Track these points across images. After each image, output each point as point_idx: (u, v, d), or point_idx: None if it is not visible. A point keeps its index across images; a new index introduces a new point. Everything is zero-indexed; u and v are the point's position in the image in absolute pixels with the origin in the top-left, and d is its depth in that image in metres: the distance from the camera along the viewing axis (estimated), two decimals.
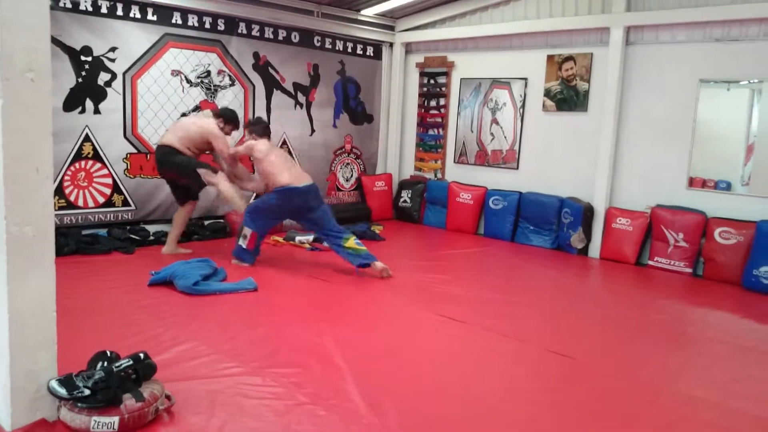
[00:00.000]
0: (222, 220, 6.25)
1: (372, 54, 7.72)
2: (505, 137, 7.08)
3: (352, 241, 4.84)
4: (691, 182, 5.73)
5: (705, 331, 4.02)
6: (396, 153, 8.05)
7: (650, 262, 5.79)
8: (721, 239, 5.31)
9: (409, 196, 7.68)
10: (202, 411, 2.44)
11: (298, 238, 5.99)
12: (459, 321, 3.80)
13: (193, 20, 5.89)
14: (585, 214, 6.11)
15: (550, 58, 6.52)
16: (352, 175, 7.74)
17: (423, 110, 7.81)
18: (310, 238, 5.95)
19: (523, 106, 6.86)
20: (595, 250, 6.17)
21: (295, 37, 6.79)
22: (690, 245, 5.52)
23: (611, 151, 6.08)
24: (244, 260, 4.98)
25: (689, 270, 5.55)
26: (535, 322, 3.95)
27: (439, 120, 7.66)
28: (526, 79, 6.77)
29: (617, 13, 5.91)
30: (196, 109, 6.00)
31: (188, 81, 5.94)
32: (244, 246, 4.94)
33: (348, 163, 7.68)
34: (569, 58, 6.37)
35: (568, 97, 6.43)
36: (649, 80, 5.90)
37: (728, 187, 5.59)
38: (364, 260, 4.82)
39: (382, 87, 7.91)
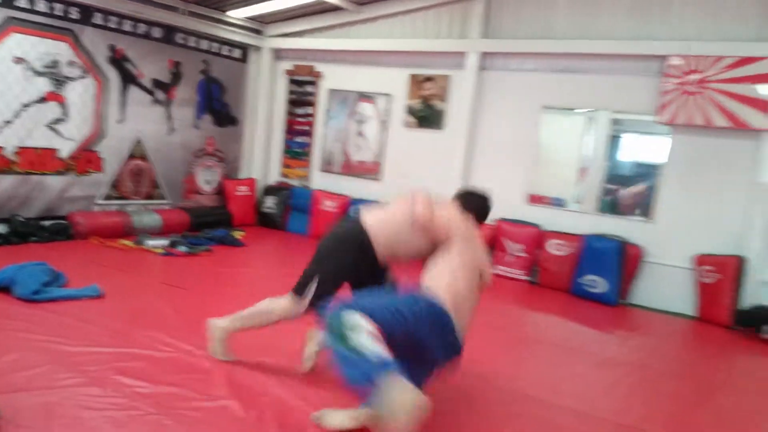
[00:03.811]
0: (64, 221, 5.79)
1: (239, 57, 7.60)
2: (370, 149, 7.33)
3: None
4: (531, 199, 6.33)
5: (538, 334, 4.46)
6: (261, 158, 7.98)
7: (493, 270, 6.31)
8: (553, 250, 5.93)
9: (274, 202, 7.64)
10: (36, 425, 2.28)
11: (149, 243, 5.71)
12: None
13: (41, 5, 5.43)
14: None
15: (412, 76, 6.87)
16: (213, 179, 7.54)
17: (291, 117, 7.83)
18: (165, 242, 5.72)
19: (386, 121, 7.14)
20: None
21: (157, 32, 6.50)
22: (528, 255, 6.10)
23: (462, 168, 6.53)
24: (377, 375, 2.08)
25: (527, 278, 6.12)
26: None
27: (307, 128, 7.73)
28: (390, 95, 7.07)
29: (473, 39, 6.39)
30: (42, 100, 5.53)
31: (33, 70, 5.45)
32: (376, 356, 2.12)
33: (210, 166, 7.47)
34: (429, 78, 6.76)
35: (428, 115, 6.81)
36: (498, 104, 6.44)
37: (563, 204, 6.25)
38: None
39: (249, 90, 7.82)
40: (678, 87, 5.32)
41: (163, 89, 6.68)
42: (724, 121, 5.10)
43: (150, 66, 6.50)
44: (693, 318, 5.37)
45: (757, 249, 5.12)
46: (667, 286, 5.56)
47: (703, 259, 5.31)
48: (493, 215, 6.30)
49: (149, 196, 6.76)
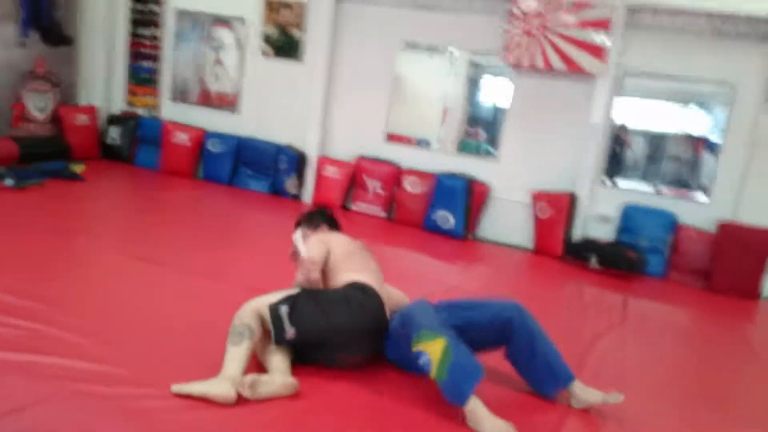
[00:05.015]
0: None
1: None
2: (230, 79, 6.93)
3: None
4: (390, 137, 6.39)
5: (389, 267, 4.52)
6: (103, 84, 7.25)
7: (353, 207, 6.37)
8: (409, 188, 6.09)
9: (119, 133, 7.03)
10: None
11: None
12: (160, 264, 3.65)
13: None
14: (299, 162, 6.40)
15: (268, 2, 6.50)
16: (47, 105, 6.74)
17: (135, 39, 7.15)
18: None
19: (243, 49, 6.76)
20: (307, 195, 6.52)
21: None
22: (386, 192, 6.21)
23: (323, 103, 6.41)
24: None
25: (384, 214, 6.25)
26: (244, 264, 4.00)
27: (153, 52, 7.10)
28: (243, 19, 6.67)
29: None
30: None
31: None
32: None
33: (42, 91, 6.66)
34: (286, 4, 6.44)
35: (285, 44, 6.53)
36: (358, 37, 6.31)
37: (427, 145, 6.34)
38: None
39: (85, 6, 6.97)
40: (522, 29, 5.53)
41: None
42: (561, 65, 5.42)
43: None
44: (530, 250, 5.84)
45: (587, 186, 5.61)
46: (508, 221, 5.97)
47: (539, 196, 5.73)
48: (353, 152, 6.38)
49: None
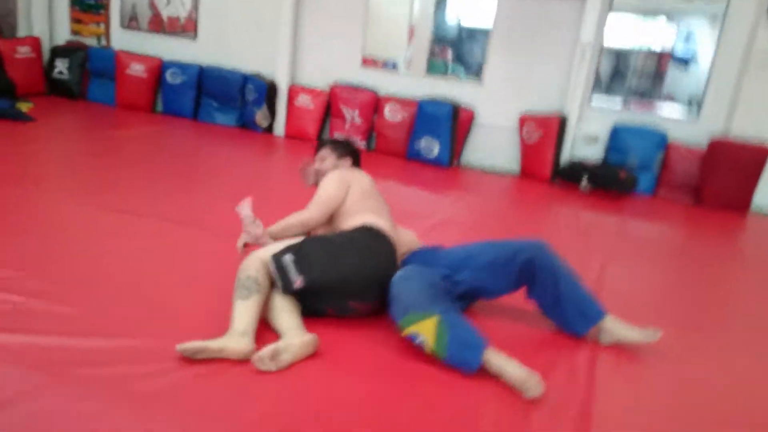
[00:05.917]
0: None
1: None
2: (183, 2, 6.30)
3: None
4: (365, 61, 5.98)
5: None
6: (44, 11, 6.53)
7: None
8: (390, 116, 5.76)
9: (67, 66, 6.40)
10: None
11: None
12: (130, 213, 3.30)
13: None
14: (269, 91, 5.95)
15: None
16: None
17: None
18: None
19: None
20: (279, 128, 6.13)
21: None
22: (364, 121, 5.87)
23: (291, 24, 5.91)
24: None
25: (364, 144, 5.94)
26: (214, 208, 3.66)
27: None
28: None
29: None
30: None
31: None
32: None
33: None
34: None
35: None
36: None
37: (395, 67, 6.00)
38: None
39: None
40: None
41: None
42: None
43: None
44: (517, 175, 5.66)
45: (576, 107, 5.39)
46: (495, 146, 5.75)
47: (526, 119, 5.49)
48: (327, 80, 5.95)
49: None
